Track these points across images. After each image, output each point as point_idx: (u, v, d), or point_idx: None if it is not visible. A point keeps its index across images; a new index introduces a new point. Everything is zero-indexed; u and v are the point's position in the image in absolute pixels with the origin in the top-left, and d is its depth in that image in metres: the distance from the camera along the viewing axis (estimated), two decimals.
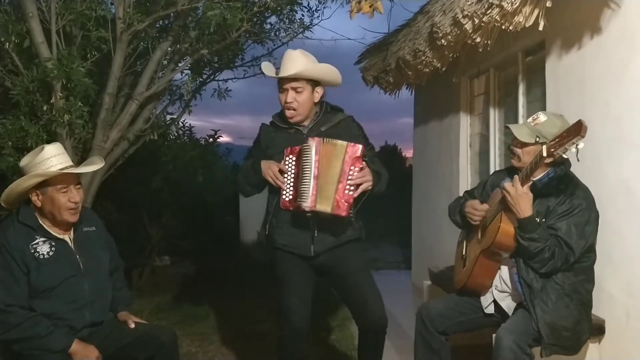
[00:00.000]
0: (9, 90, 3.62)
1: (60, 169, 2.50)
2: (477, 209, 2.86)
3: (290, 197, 2.80)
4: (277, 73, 2.86)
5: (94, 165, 2.76)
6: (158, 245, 6.36)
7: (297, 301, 2.83)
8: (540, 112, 2.68)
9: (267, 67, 2.94)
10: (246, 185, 2.96)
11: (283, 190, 2.80)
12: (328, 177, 2.73)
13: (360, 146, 2.74)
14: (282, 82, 2.85)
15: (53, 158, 2.51)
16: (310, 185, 2.71)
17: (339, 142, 2.75)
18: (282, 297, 2.86)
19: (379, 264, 7.20)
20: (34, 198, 2.51)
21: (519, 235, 2.53)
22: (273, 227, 2.88)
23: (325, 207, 2.72)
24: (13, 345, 2.43)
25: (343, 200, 2.73)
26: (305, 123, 2.92)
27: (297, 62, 2.84)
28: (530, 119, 2.69)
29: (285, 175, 2.81)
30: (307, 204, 2.70)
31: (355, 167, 2.74)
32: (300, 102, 2.85)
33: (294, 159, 2.81)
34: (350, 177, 2.74)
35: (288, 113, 2.87)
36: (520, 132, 2.65)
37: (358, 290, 2.90)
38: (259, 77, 4.95)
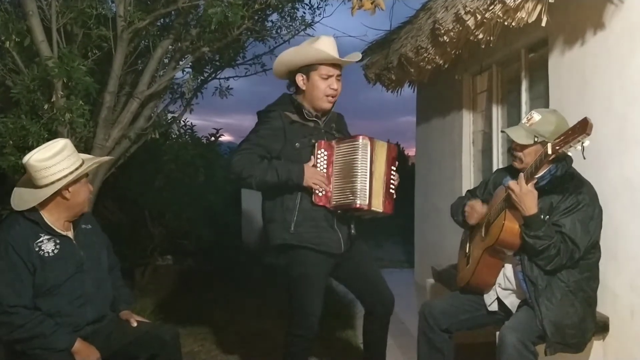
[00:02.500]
0: (9, 89, 3.61)
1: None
2: (476, 210, 2.85)
3: (323, 192, 2.78)
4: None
5: (105, 158, 2.95)
6: (160, 244, 6.34)
7: (317, 304, 2.82)
8: (533, 111, 2.68)
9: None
10: (265, 185, 2.76)
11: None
12: (378, 176, 2.76)
13: (396, 146, 2.86)
14: (330, 69, 2.79)
15: (74, 154, 2.53)
16: (366, 184, 2.71)
17: (381, 141, 2.81)
18: (303, 297, 2.82)
19: (381, 262, 7.18)
20: (65, 192, 2.50)
21: (524, 233, 2.52)
22: (301, 225, 2.78)
23: (377, 206, 2.75)
24: (17, 344, 2.43)
25: (389, 199, 2.80)
26: (322, 117, 2.90)
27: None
28: (524, 120, 2.69)
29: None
30: (365, 202, 2.71)
31: (394, 167, 2.83)
32: (339, 90, 2.85)
33: (326, 153, 2.79)
34: (392, 177, 2.82)
35: (327, 101, 2.83)
36: (518, 135, 2.64)
37: (371, 276, 2.99)
38: (261, 75, 4.94)
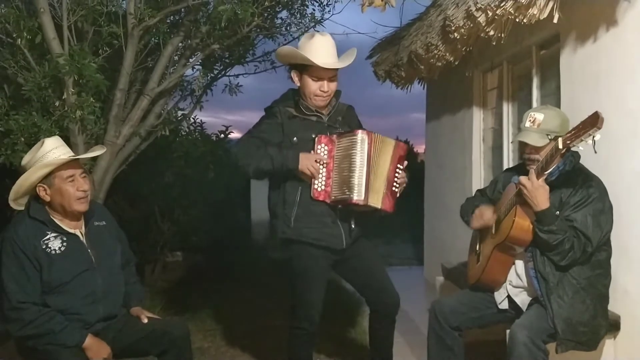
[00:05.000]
0: (21, 86, 3.63)
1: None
2: (484, 216, 2.84)
3: (323, 187, 2.78)
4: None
5: (96, 151, 2.81)
6: (170, 240, 6.37)
7: (318, 297, 2.84)
8: (532, 113, 2.66)
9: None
10: (260, 172, 2.81)
11: (315, 179, 2.78)
12: (378, 172, 2.75)
13: (406, 145, 2.85)
14: (319, 71, 2.77)
15: (55, 150, 2.51)
16: (362, 178, 2.71)
17: (388, 138, 2.80)
18: (304, 291, 2.85)
19: (391, 260, 7.17)
20: (42, 193, 2.50)
21: (537, 228, 2.51)
22: (300, 219, 2.81)
23: (375, 202, 2.74)
24: (28, 341, 2.45)
25: (391, 197, 2.78)
26: (324, 111, 2.89)
27: (335, 51, 2.85)
28: (528, 124, 2.64)
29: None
30: (360, 197, 2.70)
31: (401, 166, 2.82)
32: (332, 90, 2.84)
33: (326, 147, 2.79)
34: (397, 175, 2.81)
35: (319, 100, 2.82)
36: (532, 138, 2.61)
37: (375, 274, 2.98)
38: (270, 72, 4.94)
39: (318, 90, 2.80)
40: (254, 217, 8.32)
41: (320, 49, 2.77)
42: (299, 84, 2.85)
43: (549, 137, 2.56)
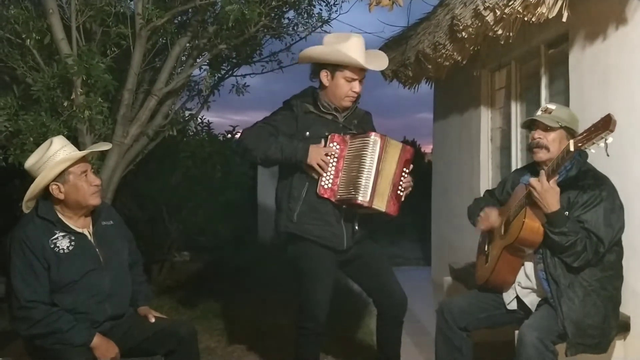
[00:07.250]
0: (30, 87, 3.65)
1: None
2: (490, 219, 2.84)
3: (330, 185, 2.78)
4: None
5: (103, 146, 2.85)
6: (177, 240, 6.40)
7: (324, 296, 2.83)
8: (545, 105, 2.72)
9: (359, 50, 2.79)
10: (268, 159, 2.81)
11: (323, 177, 2.78)
12: (385, 176, 2.75)
13: (412, 149, 2.84)
14: (356, 72, 2.79)
15: (66, 147, 2.53)
16: (370, 181, 2.71)
17: (395, 141, 2.79)
18: (309, 290, 2.85)
19: (398, 260, 7.16)
20: (55, 191, 2.51)
21: (548, 230, 2.49)
22: (304, 216, 2.81)
23: (380, 205, 2.74)
24: (36, 340, 2.45)
25: (396, 201, 2.78)
26: (342, 112, 2.90)
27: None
28: (540, 112, 2.70)
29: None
30: (365, 199, 2.70)
31: (407, 170, 2.81)
32: (360, 91, 2.86)
33: (338, 147, 2.79)
34: (403, 179, 2.80)
35: (348, 100, 2.84)
36: (544, 119, 2.64)
37: (382, 275, 2.97)
38: (276, 72, 4.94)
39: (350, 91, 2.81)
40: (261, 217, 8.34)
41: (358, 50, 2.78)
42: (327, 84, 2.84)
43: (560, 124, 2.60)
